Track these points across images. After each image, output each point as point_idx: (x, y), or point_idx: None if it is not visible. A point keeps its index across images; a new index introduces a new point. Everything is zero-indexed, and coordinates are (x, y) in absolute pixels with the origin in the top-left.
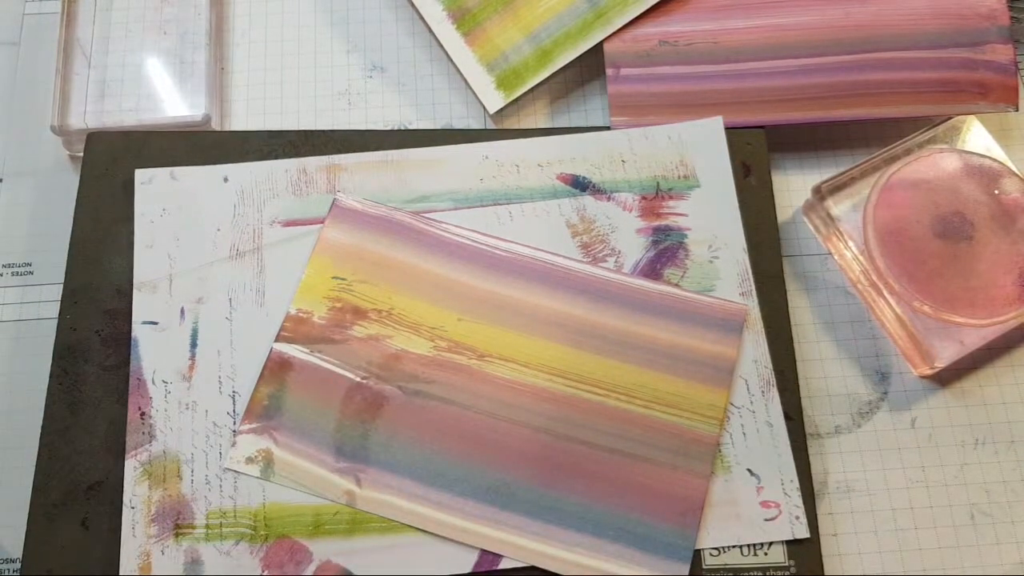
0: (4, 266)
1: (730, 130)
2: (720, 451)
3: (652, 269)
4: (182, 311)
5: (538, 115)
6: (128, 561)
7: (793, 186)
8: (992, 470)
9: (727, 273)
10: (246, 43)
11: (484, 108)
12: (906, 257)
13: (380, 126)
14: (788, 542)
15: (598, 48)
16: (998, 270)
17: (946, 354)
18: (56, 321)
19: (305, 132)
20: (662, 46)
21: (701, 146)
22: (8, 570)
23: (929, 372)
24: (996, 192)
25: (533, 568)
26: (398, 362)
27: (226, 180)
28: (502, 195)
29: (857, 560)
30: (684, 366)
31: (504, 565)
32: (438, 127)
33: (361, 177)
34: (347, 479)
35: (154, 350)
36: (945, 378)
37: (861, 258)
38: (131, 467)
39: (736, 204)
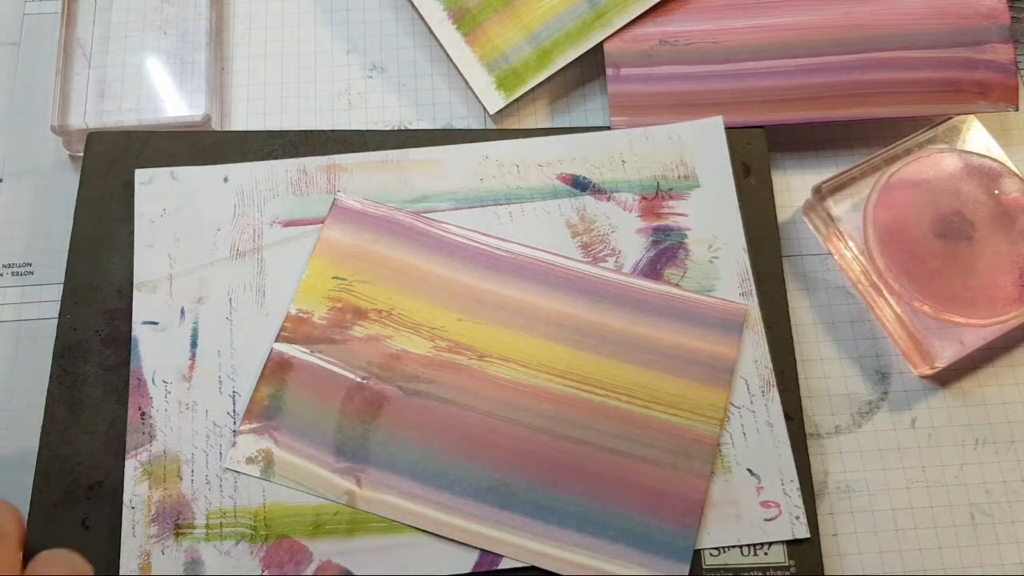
0: (4, 266)
1: (730, 130)
2: (720, 451)
3: (652, 269)
4: (182, 311)
5: (538, 115)
6: (128, 561)
7: (793, 186)
8: (992, 470)
9: (727, 273)
10: (246, 43)
11: (484, 108)
12: (906, 257)
13: (380, 126)
14: (788, 542)
15: (598, 48)
16: (998, 270)
17: (946, 354)
18: (56, 321)
19: (305, 132)
20: (662, 46)
21: (701, 146)
22: None
23: (929, 372)
24: (996, 192)
25: (533, 568)
26: (398, 362)
27: (226, 180)
28: (502, 195)
29: (857, 560)
30: (684, 366)
31: (504, 565)
32: (438, 127)
33: (361, 177)
34: (347, 479)
35: (154, 350)
36: (945, 378)
37: (861, 258)
38: (131, 467)
39: (736, 204)
